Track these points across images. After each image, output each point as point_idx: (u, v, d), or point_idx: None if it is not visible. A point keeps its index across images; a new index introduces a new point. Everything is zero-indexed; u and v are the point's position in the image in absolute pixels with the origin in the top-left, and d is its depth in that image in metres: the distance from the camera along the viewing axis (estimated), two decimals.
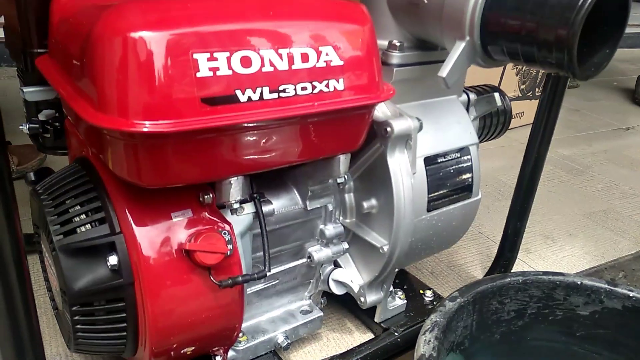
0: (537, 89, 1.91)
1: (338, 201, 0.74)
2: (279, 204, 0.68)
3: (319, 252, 0.74)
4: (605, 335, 0.80)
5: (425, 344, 0.66)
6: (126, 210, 0.56)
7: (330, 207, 0.73)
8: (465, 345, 0.77)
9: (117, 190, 0.57)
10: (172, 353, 0.61)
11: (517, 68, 1.83)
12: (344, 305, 0.90)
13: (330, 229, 0.73)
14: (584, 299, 0.80)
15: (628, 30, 0.61)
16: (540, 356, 0.83)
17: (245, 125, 0.50)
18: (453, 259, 1.10)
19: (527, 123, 1.75)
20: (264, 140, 0.53)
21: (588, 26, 0.54)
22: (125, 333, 0.58)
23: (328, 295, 0.82)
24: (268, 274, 0.62)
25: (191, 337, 0.61)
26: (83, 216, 0.57)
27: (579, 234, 1.23)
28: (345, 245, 0.76)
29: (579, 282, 0.79)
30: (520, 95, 1.85)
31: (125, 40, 0.45)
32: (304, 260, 0.75)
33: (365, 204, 0.74)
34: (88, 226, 0.57)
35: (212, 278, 0.58)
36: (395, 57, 0.69)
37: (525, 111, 1.85)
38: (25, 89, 0.71)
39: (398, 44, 0.69)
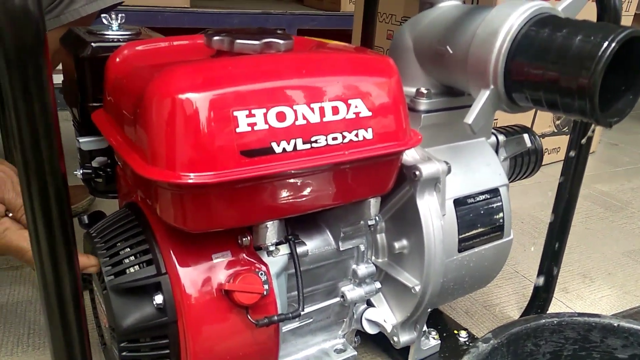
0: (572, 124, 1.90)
1: (370, 241, 0.77)
2: (312, 245, 0.72)
3: (351, 291, 0.76)
4: None
5: None
6: (171, 252, 0.60)
7: (362, 248, 0.76)
8: None
9: (163, 233, 0.61)
10: None
11: None
12: (377, 344, 0.91)
13: (362, 269, 0.76)
14: (622, 341, 0.79)
15: None
16: None
17: (281, 174, 0.54)
18: (488, 298, 1.09)
19: (562, 159, 1.74)
20: (298, 187, 0.57)
21: (611, 72, 0.56)
22: None
23: (362, 334, 0.84)
24: (302, 313, 0.65)
25: None
26: (132, 258, 0.61)
27: (618, 272, 1.21)
28: (378, 285, 0.78)
29: (615, 324, 0.78)
30: (556, 130, 1.84)
31: (173, 101, 0.50)
32: (337, 299, 0.77)
33: (397, 245, 0.76)
34: (137, 267, 0.61)
35: (249, 317, 0.61)
36: (423, 104, 0.73)
37: (562, 146, 1.83)
38: (81, 139, 0.78)
39: (425, 92, 0.73)
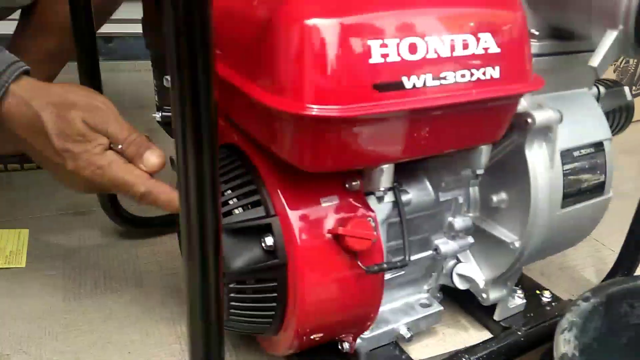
0: (633, 87, 1.82)
1: (467, 194, 0.74)
2: (412, 194, 0.69)
3: (445, 244, 0.74)
4: None
5: (565, 343, 0.64)
6: (280, 193, 0.58)
7: (460, 200, 0.72)
8: (594, 348, 0.74)
9: (270, 175, 0.59)
10: (310, 336, 0.63)
11: (615, 64, 1.74)
12: (455, 301, 0.89)
13: (459, 222, 0.73)
14: None
15: None
16: None
17: (409, 112, 0.51)
18: (564, 260, 1.06)
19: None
20: (420, 128, 0.54)
21: None
22: (273, 312, 0.60)
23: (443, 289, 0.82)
24: (409, 262, 0.62)
25: (333, 320, 0.62)
26: (236, 199, 0.59)
27: None
28: (471, 240, 0.75)
29: None
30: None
31: (303, 28, 0.47)
32: (430, 252, 0.74)
33: (495, 198, 0.72)
34: (241, 209, 0.59)
35: (359, 263, 0.59)
36: (533, 47, 0.67)
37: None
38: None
39: (536, 33, 0.68)
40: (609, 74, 1.73)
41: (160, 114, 0.87)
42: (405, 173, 0.70)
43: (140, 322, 0.82)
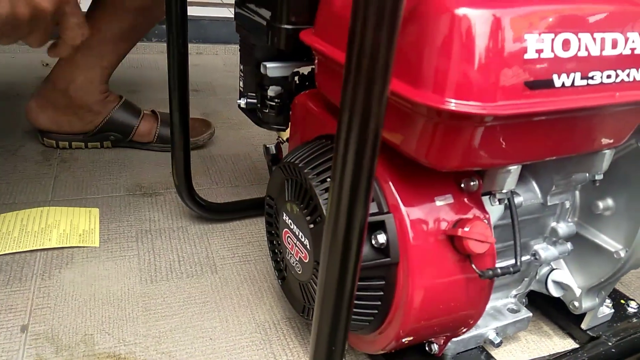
0: None
1: (574, 200, 0.70)
2: (523, 197, 0.66)
3: (545, 250, 0.71)
4: None
5: None
6: (394, 190, 0.56)
7: (567, 205, 0.69)
8: None
9: (383, 169, 0.57)
10: (410, 338, 0.61)
11: None
12: (537, 307, 0.86)
13: (563, 227, 0.70)
14: None
15: None
16: None
17: (553, 112, 0.48)
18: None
19: None
20: (556, 130, 0.51)
21: None
22: (376, 311, 0.59)
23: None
24: (521, 268, 0.60)
25: (435, 324, 0.60)
26: None
27: None
28: (570, 246, 0.72)
29: None
30: None
31: (452, 17, 0.44)
32: (528, 257, 0.72)
33: (601, 204, 0.69)
34: None
35: (474, 267, 0.56)
36: None
37: None
38: (269, 64, 0.73)
39: None
40: None
41: (244, 100, 0.85)
42: None
43: (219, 309, 0.81)
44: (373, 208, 0.56)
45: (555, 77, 0.46)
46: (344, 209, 0.38)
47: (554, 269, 0.75)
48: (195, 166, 1.23)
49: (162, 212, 1.05)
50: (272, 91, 0.78)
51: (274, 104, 0.79)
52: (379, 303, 0.58)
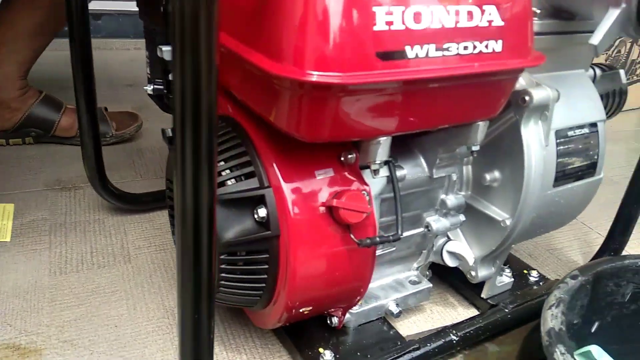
0: (627, 76, 1.83)
1: (461, 172, 0.73)
2: (407, 170, 0.68)
3: (437, 222, 0.74)
4: None
5: (552, 318, 0.65)
6: (274, 165, 0.57)
7: (454, 177, 0.72)
8: (579, 325, 0.75)
9: (265, 146, 0.58)
10: (300, 309, 0.63)
11: (607, 53, 1.75)
12: (444, 279, 0.89)
13: (452, 199, 0.73)
14: None
15: None
16: None
17: (411, 82, 0.50)
18: (550, 242, 1.07)
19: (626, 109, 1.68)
20: (421, 100, 0.53)
21: None
22: (264, 285, 0.60)
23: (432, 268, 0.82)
24: (401, 237, 0.62)
25: (323, 293, 0.62)
26: (230, 170, 0.58)
27: None
28: (463, 217, 0.75)
29: None
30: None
31: None
32: (422, 229, 0.74)
33: (488, 176, 0.72)
34: (233, 180, 0.58)
35: (352, 236, 0.58)
36: (535, 25, 0.67)
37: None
38: (164, 48, 0.73)
39: (538, 11, 0.67)
40: (600, 62, 1.74)
41: (151, 86, 0.85)
42: (400, 149, 0.69)
43: (128, 297, 0.81)
44: (253, 183, 0.57)
45: (408, 48, 0.48)
46: (189, 190, 0.39)
47: (449, 240, 0.78)
48: (121, 159, 1.21)
49: (79, 206, 1.03)
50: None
51: None
52: (266, 276, 0.59)
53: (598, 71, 0.82)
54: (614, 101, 0.91)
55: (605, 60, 1.76)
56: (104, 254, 0.90)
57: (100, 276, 0.85)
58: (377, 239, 0.59)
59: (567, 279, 0.72)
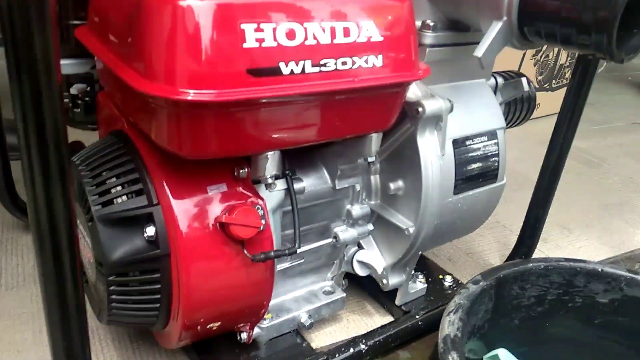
0: (554, 81, 1.90)
1: (365, 182, 0.75)
2: (308, 182, 0.69)
3: (344, 232, 0.74)
4: (624, 323, 0.80)
5: (449, 324, 0.66)
6: (164, 182, 0.56)
7: (357, 188, 0.73)
8: (485, 329, 0.78)
9: (155, 162, 0.57)
10: (199, 328, 0.62)
11: (535, 58, 1.82)
12: (363, 288, 0.90)
13: (357, 209, 0.74)
14: (604, 286, 0.80)
15: None
16: (558, 343, 0.83)
17: (287, 98, 0.50)
18: (470, 246, 1.10)
19: (543, 115, 1.74)
20: (302, 115, 0.54)
21: (625, 9, 0.54)
22: (159, 305, 0.59)
23: (349, 277, 0.83)
24: (298, 250, 0.62)
25: (222, 310, 0.61)
26: (120, 188, 0.57)
27: (595, 225, 1.23)
28: (371, 227, 0.77)
29: (599, 269, 0.79)
30: (537, 86, 1.84)
31: (174, 9, 0.45)
32: (330, 240, 0.75)
33: (392, 186, 0.74)
34: (124, 198, 0.57)
35: (245, 252, 0.58)
36: (429, 37, 0.69)
37: (542, 103, 1.83)
38: (62, 62, 0.71)
39: (432, 24, 0.69)
40: (529, 68, 1.81)
41: None
42: (302, 161, 0.70)
43: (35, 320, 0.78)
44: (142, 201, 0.56)
45: (282, 64, 0.49)
46: (43, 213, 0.38)
47: (360, 249, 0.79)
48: None
49: None
50: (75, 89, 0.76)
51: (80, 102, 0.77)
52: (159, 296, 0.58)
53: (500, 80, 0.85)
54: (522, 108, 0.95)
55: (534, 65, 1.82)
56: (14, 275, 0.87)
57: (8, 298, 0.82)
58: (272, 253, 0.59)
59: (468, 284, 0.73)
